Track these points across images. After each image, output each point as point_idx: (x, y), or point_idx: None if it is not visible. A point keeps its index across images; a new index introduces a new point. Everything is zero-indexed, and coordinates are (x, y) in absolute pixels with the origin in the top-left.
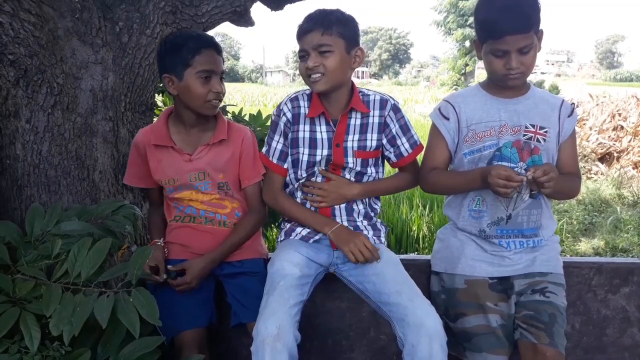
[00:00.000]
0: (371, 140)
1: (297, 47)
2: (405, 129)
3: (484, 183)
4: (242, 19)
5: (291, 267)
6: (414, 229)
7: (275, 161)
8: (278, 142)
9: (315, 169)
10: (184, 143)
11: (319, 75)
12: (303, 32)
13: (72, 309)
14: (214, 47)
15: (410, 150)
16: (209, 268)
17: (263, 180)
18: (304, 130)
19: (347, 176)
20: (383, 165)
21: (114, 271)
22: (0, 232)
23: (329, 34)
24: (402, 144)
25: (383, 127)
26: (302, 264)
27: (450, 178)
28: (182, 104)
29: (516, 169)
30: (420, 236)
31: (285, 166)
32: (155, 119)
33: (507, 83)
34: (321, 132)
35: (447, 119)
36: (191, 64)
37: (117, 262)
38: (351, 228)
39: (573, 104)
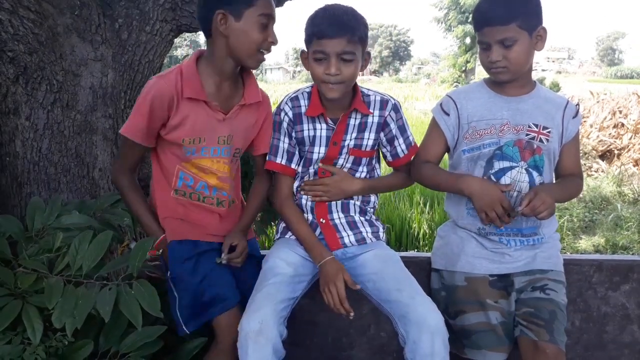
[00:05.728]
0: (368, 139)
1: (296, 45)
2: (403, 129)
3: (468, 195)
4: None
5: (284, 265)
6: (414, 226)
7: (283, 162)
8: (283, 142)
9: (313, 167)
10: (217, 98)
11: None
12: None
13: (75, 302)
14: None
15: (406, 152)
16: (245, 237)
17: (272, 182)
18: (308, 129)
19: None
20: (379, 164)
21: (114, 264)
22: (1, 226)
23: None
24: (400, 144)
25: (382, 126)
26: (296, 264)
27: (439, 177)
28: (227, 49)
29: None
30: (421, 234)
31: (293, 166)
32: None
33: (493, 77)
34: (321, 129)
35: (448, 114)
36: (254, 4)
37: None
38: (347, 224)
39: (578, 105)
